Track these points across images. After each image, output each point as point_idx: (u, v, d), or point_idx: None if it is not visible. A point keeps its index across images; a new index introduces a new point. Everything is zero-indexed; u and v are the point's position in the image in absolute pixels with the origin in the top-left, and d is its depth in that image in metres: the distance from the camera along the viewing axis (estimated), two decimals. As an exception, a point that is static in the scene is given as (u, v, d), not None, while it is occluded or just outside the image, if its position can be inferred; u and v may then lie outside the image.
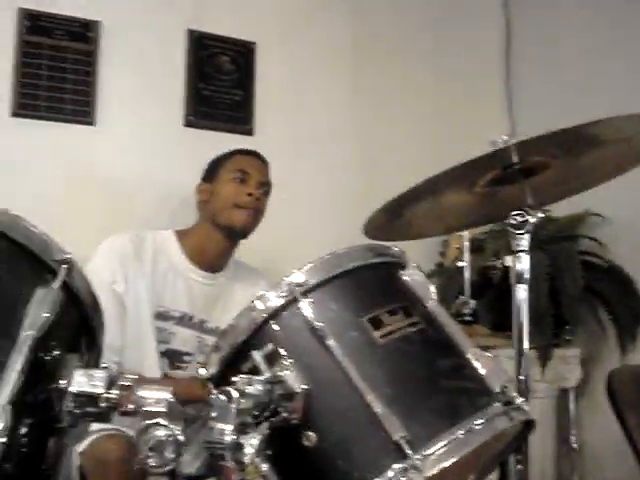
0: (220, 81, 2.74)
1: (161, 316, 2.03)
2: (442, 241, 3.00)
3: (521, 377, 1.43)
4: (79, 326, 1.07)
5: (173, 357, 2.05)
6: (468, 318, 1.92)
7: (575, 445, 2.88)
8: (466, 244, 2.05)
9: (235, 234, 2.13)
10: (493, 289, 2.48)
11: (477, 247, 2.67)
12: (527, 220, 1.43)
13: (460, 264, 2.35)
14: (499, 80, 3.42)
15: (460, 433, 1.00)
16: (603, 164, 1.56)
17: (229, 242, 2.14)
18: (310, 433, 1.03)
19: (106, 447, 1.75)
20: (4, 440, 0.82)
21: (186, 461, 1.86)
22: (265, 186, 2.15)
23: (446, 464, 0.98)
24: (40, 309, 0.94)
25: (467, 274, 1.94)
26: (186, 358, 2.06)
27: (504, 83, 3.43)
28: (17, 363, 0.88)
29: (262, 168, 2.18)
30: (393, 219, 1.56)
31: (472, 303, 1.92)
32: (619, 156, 1.55)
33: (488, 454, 1.21)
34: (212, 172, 2.19)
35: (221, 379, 1.11)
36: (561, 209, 2.83)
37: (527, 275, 1.45)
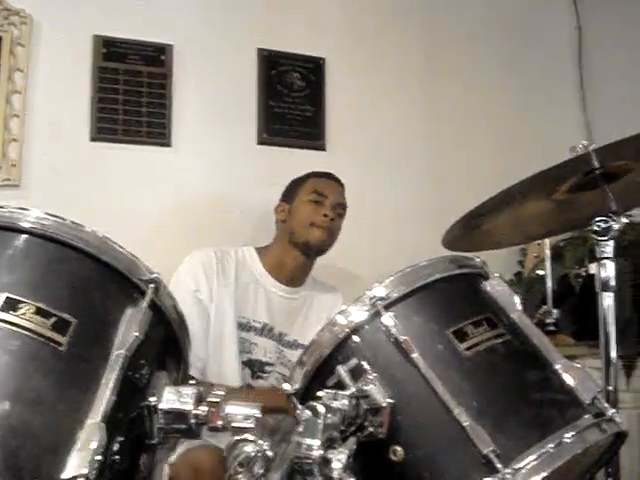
0: (291, 98, 2.77)
1: (243, 326, 2.07)
2: (520, 250, 2.96)
3: (609, 388, 1.38)
4: (167, 344, 1.09)
5: (255, 367, 2.08)
6: (551, 328, 1.89)
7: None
8: (547, 252, 2.03)
9: (311, 251, 2.17)
10: (575, 297, 2.44)
11: (556, 255, 2.62)
12: (610, 226, 1.40)
13: (540, 273, 2.32)
14: (573, 85, 3.36)
15: (550, 446, 0.98)
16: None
17: (306, 259, 2.19)
18: (397, 447, 1.03)
19: (198, 458, 1.79)
20: (100, 458, 0.84)
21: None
22: (340, 207, 2.20)
23: (537, 478, 0.96)
24: (130, 328, 0.96)
25: (549, 283, 1.92)
26: (267, 368, 2.09)
27: (578, 88, 3.36)
28: (110, 381, 0.90)
29: (338, 190, 2.23)
30: (471, 230, 1.55)
31: (555, 312, 1.89)
32: None
33: (579, 467, 1.18)
34: (290, 193, 2.25)
35: (306, 394, 1.11)
36: (642, 214, 2.75)
37: (613, 282, 1.41)
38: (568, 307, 2.56)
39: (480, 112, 3.12)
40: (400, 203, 2.90)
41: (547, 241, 2.04)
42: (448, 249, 1.54)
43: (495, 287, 1.15)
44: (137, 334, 0.96)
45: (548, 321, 1.84)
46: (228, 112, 2.70)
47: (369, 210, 2.75)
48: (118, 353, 0.94)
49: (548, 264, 1.88)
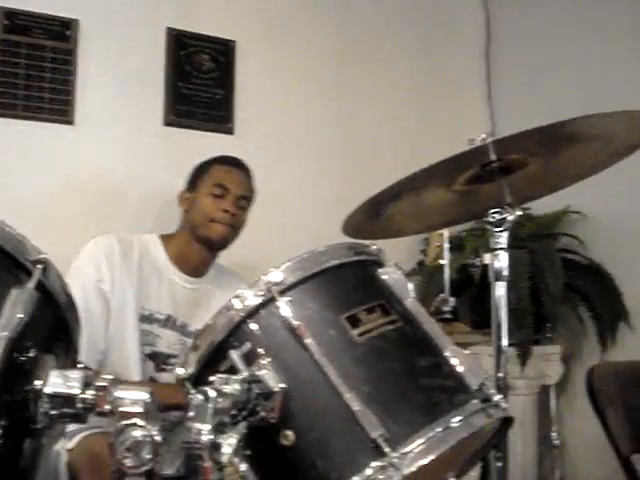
0: (199, 79, 2.73)
1: (146, 319, 2.03)
2: (423, 240, 3.01)
3: (500, 374, 1.42)
4: (55, 327, 1.06)
5: (158, 359, 2.04)
6: (448, 316, 1.92)
7: (556, 442, 2.90)
8: (445, 242, 2.07)
9: (213, 246, 2.14)
10: (473, 287, 2.49)
11: (457, 245, 2.68)
12: (505, 218, 1.43)
13: (442, 262, 2.36)
14: (479, 79, 3.43)
15: (438, 431, 1.00)
16: (581, 162, 1.57)
17: (208, 251, 2.15)
18: (288, 432, 1.03)
19: (97, 443, 1.75)
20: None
21: (166, 461, 1.85)
22: (244, 200, 2.15)
23: (424, 461, 0.97)
24: (14, 309, 0.93)
25: (447, 272, 1.95)
26: (171, 360, 2.05)
27: (484, 82, 3.44)
28: (-9, 364, 0.87)
29: (243, 181, 2.17)
30: (373, 218, 1.56)
31: (452, 301, 1.93)
32: (597, 154, 1.55)
33: (467, 451, 1.21)
34: (193, 181, 2.19)
35: (200, 379, 1.10)
36: (541, 207, 2.84)
37: (506, 272, 1.45)
38: (467, 296, 2.63)
39: (388, 100, 3.16)
40: (310, 189, 2.90)
41: (446, 231, 2.09)
42: (350, 237, 1.55)
43: (390, 275, 1.16)
44: (22, 315, 0.92)
45: (445, 309, 1.88)
46: (134, 91, 2.64)
47: (277, 195, 2.74)
48: (2, 335, 0.91)
49: (446, 254, 1.91)
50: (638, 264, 2.72)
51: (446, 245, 2.06)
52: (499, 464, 1.44)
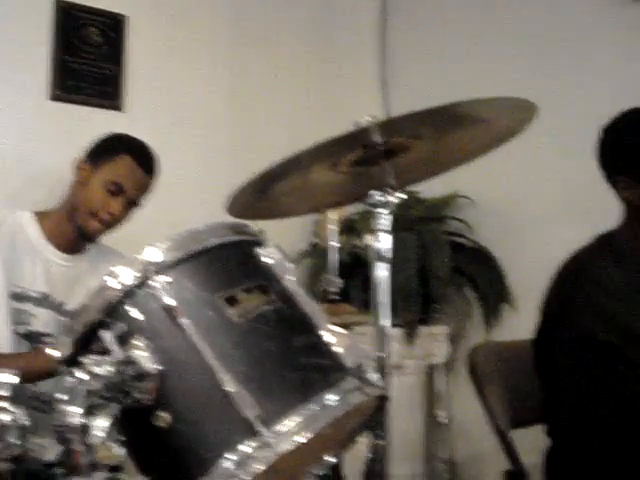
0: (88, 54, 2.64)
1: (18, 297, 1.95)
2: (316, 221, 3.03)
3: (382, 354, 1.45)
4: None
5: (34, 339, 1.97)
6: (335, 296, 1.95)
7: (444, 420, 2.98)
8: (333, 224, 2.10)
9: (82, 237, 2.06)
10: (364, 268, 2.53)
11: (350, 227, 2.71)
12: (388, 200, 1.45)
13: (331, 244, 2.38)
14: (374, 61, 3.46)
15: (314, 409, 1.01)
16: (465, 145, 1.60)
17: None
18: (164, 414, 1.01)
19: None
20: None
21: (45, 447, 1.81)
22: (134, 204, 2.08)
23: (299, 440, 0.98)
24: None
25: (334, 253, 1.98)
26: (47, 339, 1.98)
27: (379, 64, 3.47)
28: None
29: (142, 185, 2.08)
30: (259, 197, 1.55)
31: (339, 282, 1.96)
32: (480, 137, 1.59)
33: (344, 430, 1.22)
34: (96, 157, 2.07)
35: (75, 361, 1.07)
36: (430, 190, 2.91)
37: (388, 254, 1.46)
38: (359, 278, 2.67)
39: (282, 80, 3.14)
40: (198, 168, 2.86)
41: (335, 213, 2.11)
42: (235, 217, 1.53)
43: (270, 255, 1.16)
44: None
45: (332, 290, 1.91)
46: (19, 64, 2.52)
47: (165, 175, 2.68)
48: None
49: (334, 235, 1.94)
50: (522, 248, 2.83)
51: (333, 227, 2.09)
52: (381, 442, 1.46)
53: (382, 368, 1.43)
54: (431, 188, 2.86)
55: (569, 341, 1.56)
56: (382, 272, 1.46)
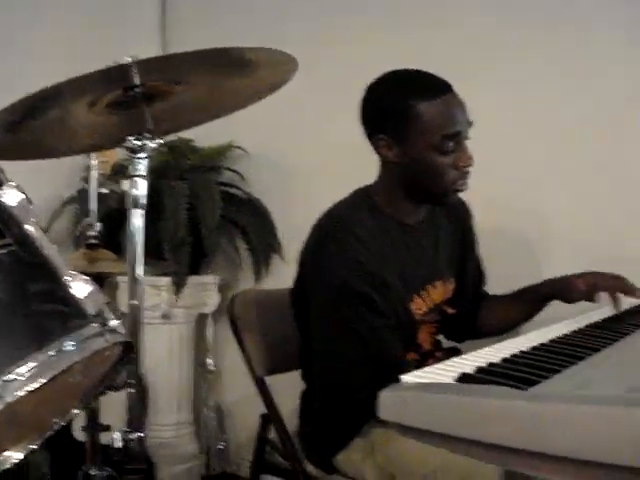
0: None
1: None
2: (86, 167, 2.90)
3: (134, 302, 1.42)
4: None
5: None
6: (93, 241, 1.90)
7: (212, 368, 3.02)
8: (97, 168, 2.02)
9: None
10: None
11: (120, 173, 2.62)
12: (145, 145, 1.41)
13: (102, 190, 2.30)
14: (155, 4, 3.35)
15: (50, 355, 0.96)
16: (233, 94, 1.59)
17: None
18: None
19: None
20: None
21: None
22: None
23: (33, 386, 0.94)
24: None
25: (94, 198, 1.92)
26: None
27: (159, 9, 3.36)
28: None
29: None
30: (15, 134, 1.44)
31: (97, 226, 1.90)
32: (247, 88, 1.58)
33: (91, 378, 1.19)
34: None
35: None
36: (207, 140, 2.89)
37: (144, 201, 1.43)
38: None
39: (58, 17, 2.94)
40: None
41: (103, 156, 2.04)
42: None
43: (9, 196, 1.08)
44: None
45: (90, 234, 1.85)
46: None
47: None
48: None
49: (94, 179, 1.87)
50: (292, 200, 2.89)
51: (95, 171, 2.02)
52: (130, 390, 1.44)
53: (135, 317, 1.40)
54: (207, 137, 2.85)
55: (323, 289, 1.61)
56: (137, 220, 1.42)
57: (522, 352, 1.11)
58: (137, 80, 1.37)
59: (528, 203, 2.37)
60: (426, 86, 1.65)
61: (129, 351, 1.17)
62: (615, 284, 1.70)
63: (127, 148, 1.42)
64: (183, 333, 2.94)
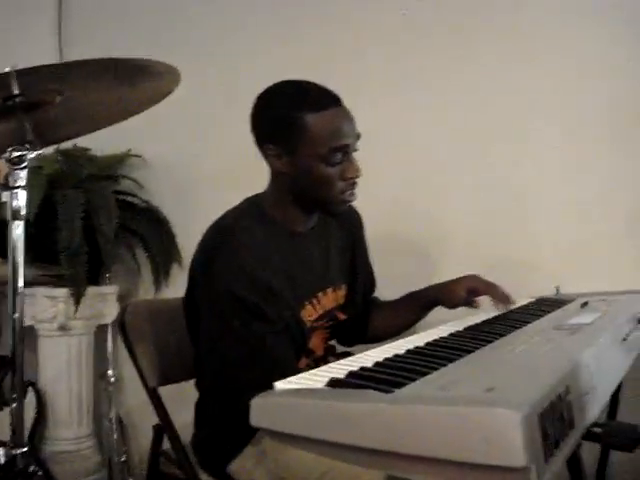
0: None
1: None
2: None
3: (16, 315, 1.39)
4: None
5: None
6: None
7: (112, 379, 2.97)
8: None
9: None
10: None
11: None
12: (25, 155, 1.39)
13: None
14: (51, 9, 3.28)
15: None
16: (114, 104, 1.59)
17: None
18: None
19: None
20: None
21: None
22: None
23: None
24: None
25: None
26: None
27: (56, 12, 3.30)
28: None
29: None
30: None
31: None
32: (133, 98, 1.58)
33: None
34: None
35: None
36: (104, 148, 2.85)
37: (24, 211, 1.41)
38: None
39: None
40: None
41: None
42: None
43: None
44: None
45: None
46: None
47: None
48: None
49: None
50: (191, 208, 2.88)
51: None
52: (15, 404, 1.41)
53: (14, 329, 1.37)
54: (105, 146, 2.81)
55: (210, 297, 1.62)
56: (18, 231, 1.39)
57: (395, 356, 1.14)
58: (16, 89, 1.35)
59: (424, 209, 2.44)
60: (315, 98, 1.66)
61: (9, 365, 1.15)
62: (491, 291, 1.76)
63: (6, 159, 1.39)
64: (82, 345, 2.89)
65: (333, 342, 1.96)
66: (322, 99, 1.67)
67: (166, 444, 1.85)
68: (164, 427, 1.82)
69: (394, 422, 0.82)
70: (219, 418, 1.69)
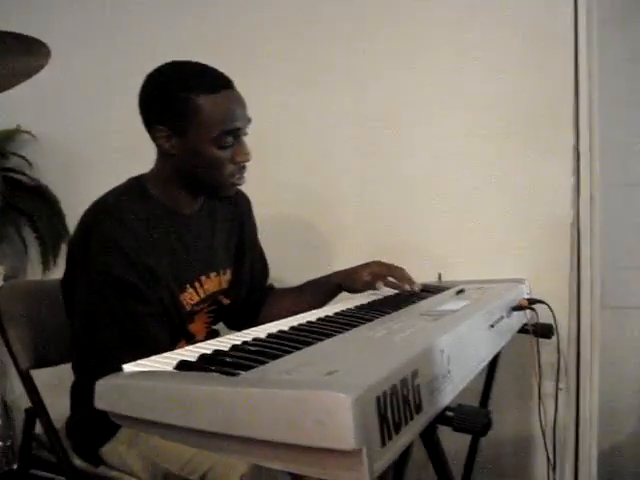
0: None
1: None
2: None
3: None
4: None
5: None
6: None
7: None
8: None
9: None
10: None
11: None
12: None
13: None
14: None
15: None
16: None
17: None
18: None
19: None
20: None
21: None
22: None
23: None
24: None
25: None
26: None
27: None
28: None
29: None
30: None
31: None
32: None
33: None
34: None
35: None
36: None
37: None
38: None
39: None
40: None
41: None
42: None
43: None
44: None
45: None
46: None
47: None
48: None
49: None
50: (81, 188, 2.80)
51: None
52: None
53: None
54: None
55: (86, 275, 1.58)
56: None
57: (254, 339, 1.14)
58: None
59: (316, 195, 2.45)
60: (207, 80, 1.64)
61: None
62: (393, 272, 1.78)
63: None
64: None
65: (217, 327, 1.95)
66: (214, 81, 1.65)
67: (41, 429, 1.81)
68: (37, 410, 1.77)
69: (232, 405, 0.82)
70: (92, 401, 1.66)
